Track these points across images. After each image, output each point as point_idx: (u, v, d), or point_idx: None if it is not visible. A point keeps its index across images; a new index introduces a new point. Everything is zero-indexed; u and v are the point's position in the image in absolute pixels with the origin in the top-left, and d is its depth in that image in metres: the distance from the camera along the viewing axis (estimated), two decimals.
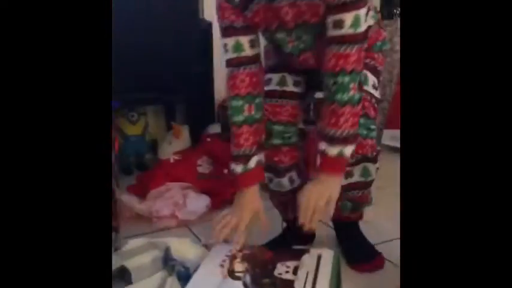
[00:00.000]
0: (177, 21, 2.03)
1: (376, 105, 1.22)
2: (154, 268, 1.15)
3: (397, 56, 2.59)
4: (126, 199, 1.56)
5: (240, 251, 1.12)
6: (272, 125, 1.23)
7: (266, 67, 1.29)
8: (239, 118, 1.16)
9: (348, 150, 1.07)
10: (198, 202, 1.57)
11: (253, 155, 1.16)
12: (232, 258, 1.09)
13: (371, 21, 1.15)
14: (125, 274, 1.12)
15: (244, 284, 1.01)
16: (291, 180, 1.27)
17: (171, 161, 1.79)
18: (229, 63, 1.16)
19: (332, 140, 1.06)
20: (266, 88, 1.25)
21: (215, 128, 2.15)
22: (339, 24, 1.04)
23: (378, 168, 1.24)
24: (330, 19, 1.05)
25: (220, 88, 2.30)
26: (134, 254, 1.19)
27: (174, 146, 2.11)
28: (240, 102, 1.16)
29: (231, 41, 1.13)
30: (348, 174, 1.18)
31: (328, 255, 1.09)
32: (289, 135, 1.25)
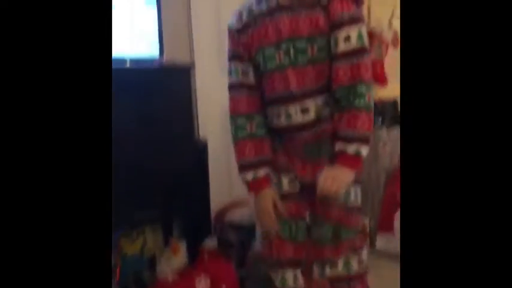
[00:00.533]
0: (173, 143, 2.17)
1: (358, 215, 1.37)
2: None
3: (382, 164, 2.73)
4: None
5: None
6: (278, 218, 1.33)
7: None
8: (242, 134, 1.31)
9: (364, 150, 1.20)
10: None
11: (260, 165, 1.30)
12: None
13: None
14: None
15: None
16: (295, 278, 1.33)
17: (169, 279, 1.80)
18: (230, 85, 1.35)
19: (350, 140, 1.19)
20: None
21: (212, 241, 2.19)
22: (347, 39, 1.19)
23: (362, 261, 1.34)
24: (338, 35, 1.20)
25: (215, 202, 2.39)
26: None
27: (172, 262, 2.12)
28: (242, 120, 1.31)
29: (232, 66, 1.33)
30: (332, 264, 1.30)
31: None
32: (296, 231, 1.33)
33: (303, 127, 1.28)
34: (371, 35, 3.05)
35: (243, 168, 1.31)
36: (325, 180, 1.19)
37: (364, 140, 1.19)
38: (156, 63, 2.16)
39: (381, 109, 2.86)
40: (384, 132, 2.77)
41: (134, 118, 2.05)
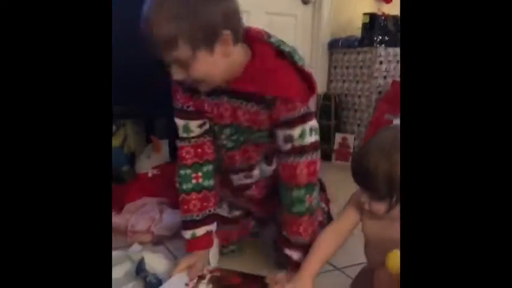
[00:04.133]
0: None
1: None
2: (126, 281, 1.15)
3: (375, 83, 2.66)
4: None
5: (212, 271, 1.12)
6: None
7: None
8: (188, 186, 1.21)
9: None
10: (174, 218, 1.56)
11: (202, 222, 1.20)
12: (200, 278, 1.08)
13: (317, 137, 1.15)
14: None
15: None
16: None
17: (149, 175, 1.78)
18: (179, 138, 1.24)
19: (294, 247, 1.14)
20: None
21: None
22: (289, 138, 1.09)
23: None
24: (279, 134, 1.10)
25: None
26: None
27: (152, 160, 2.10)
28: (188, 171, 1.22)
29: (180, 122, 1.22)
30: None
31: None
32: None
33: (246, 187, 1.28)
34: None
35: (184, 225, 1.22)
36: None
37: (307, 247, 1.10)
38: None
39: (383, 26, 2.73)
40: (381, 51, 2.66)
41: (117, 12, 1.91)
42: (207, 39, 0.97)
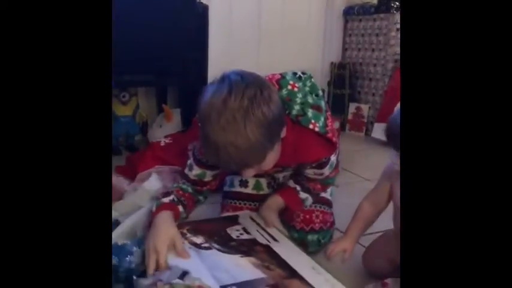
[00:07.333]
0: (173, 4, 2.01)
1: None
2: None
3: (391, 51, 2.59)
4: (115, 180, 1.54)
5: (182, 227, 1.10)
6: None
7: None
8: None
9: None
10: None
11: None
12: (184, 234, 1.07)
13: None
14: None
15: (220, 250, 1.01)
16: None
17: (162, 143, 1.77)
18: (187, 177, 1.22)
19: None
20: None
21: None
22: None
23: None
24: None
25: (214, 73, 2.29)
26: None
27: (164, 129, 2.10)
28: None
29: (197, 170, 1.19)
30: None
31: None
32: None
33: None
34: None
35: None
36: None
37: None
38: None
39: None
40: (399, 17, 2.58)
41: None
42: (280, 134, 0.98)
